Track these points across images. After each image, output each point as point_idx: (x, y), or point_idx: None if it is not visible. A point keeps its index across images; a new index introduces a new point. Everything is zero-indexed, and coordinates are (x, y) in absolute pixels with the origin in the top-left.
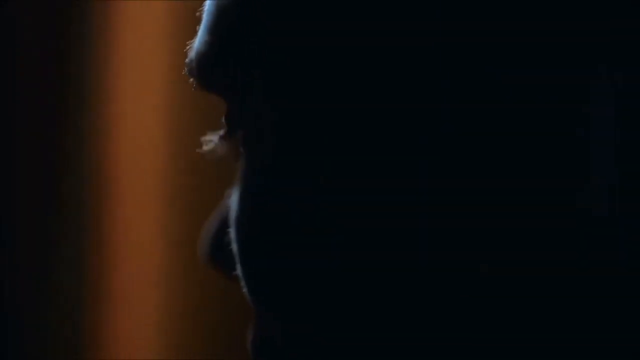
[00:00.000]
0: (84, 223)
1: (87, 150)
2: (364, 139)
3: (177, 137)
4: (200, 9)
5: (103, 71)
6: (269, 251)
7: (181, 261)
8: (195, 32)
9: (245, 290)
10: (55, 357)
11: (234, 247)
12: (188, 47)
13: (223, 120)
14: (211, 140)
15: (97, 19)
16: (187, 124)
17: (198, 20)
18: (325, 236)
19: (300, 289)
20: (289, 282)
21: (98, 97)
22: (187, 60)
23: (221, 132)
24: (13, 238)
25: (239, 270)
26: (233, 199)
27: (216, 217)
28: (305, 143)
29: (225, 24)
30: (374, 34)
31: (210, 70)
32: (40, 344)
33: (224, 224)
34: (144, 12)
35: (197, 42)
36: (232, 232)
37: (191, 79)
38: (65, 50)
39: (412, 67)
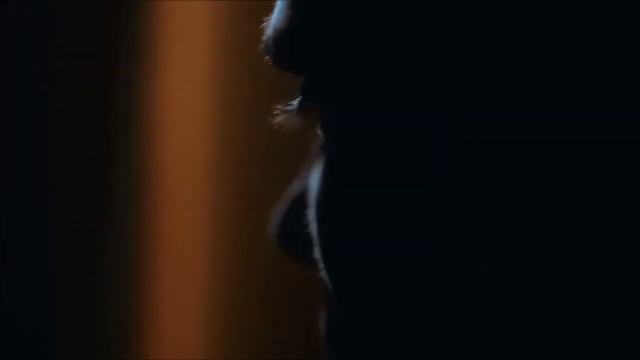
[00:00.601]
0: (130, 225)
1: (134, 154)
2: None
3: (223, 137)
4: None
5: (151, 72)
6: (353, 233)
7: (226, 263)
8: (239, 31)
9: (323, 273)
10: (100, 358)
11: (314, 228)
12: (264, 25)
13: (299, 90)
14: (285, 110)
15: (145, 19)
16: (233, 125)
17: (242, 19)
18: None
19: (376, 276)
20: (368, 268)
21: (145, 100)
22: (263, 37)
23: (296, 102)
24: (60, 240)
25: (316, 253)
26: (313, 179)
27: (287, 199)
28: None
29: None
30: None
31: (289, 47)
32: (87, 344)
33: (297, 206)
34: (190, 12)
35: (275, 19)
36: (311, 213)
37: (267, 57)
38: (113, 51)
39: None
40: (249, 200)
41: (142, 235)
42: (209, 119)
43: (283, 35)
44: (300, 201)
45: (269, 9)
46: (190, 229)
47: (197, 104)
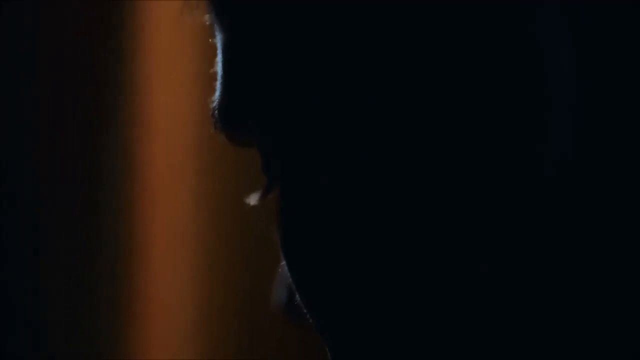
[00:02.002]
0: (118, 225)
1: (121, 153)
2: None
3: (210, 135)
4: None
5: (137, 70)
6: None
7: (212, 263)
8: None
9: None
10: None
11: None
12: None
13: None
14: (254, 199)
15: (130, 17)
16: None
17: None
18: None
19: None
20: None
21: (131, 99)
22: (210, 114)
23: (261, 189)
24: (46, 241)
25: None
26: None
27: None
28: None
29: (235, 79)
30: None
31: (232, 126)
32: (75, 344)
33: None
34: (176, 11)
35: (216, 97)
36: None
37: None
38: (98, 49)
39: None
40: (237, 199)
41: (129, 235)
42: (195, 118)
43: (224, 115)
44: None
45: None
46: (178, 227)
47: (183, 103)
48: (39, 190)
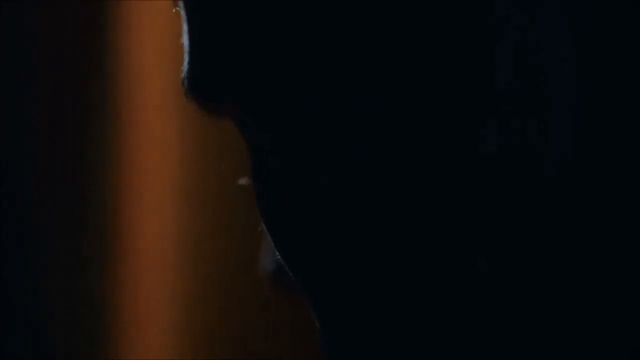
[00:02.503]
0: (103, 223)
1: (106, 151)
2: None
3: (194, 131)
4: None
5: (121, 67)
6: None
7: (196, 260)
8: None
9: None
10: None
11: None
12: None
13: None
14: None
15: (115, 15)
16: (204, 119)
17: None
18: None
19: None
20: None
21: (116, 95)
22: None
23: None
24: (32, 240)
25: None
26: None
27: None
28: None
29: (211, 53)
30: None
31: (205, 99)
32: (61, 344)
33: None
34: (160, 9)
35: (185, 66)
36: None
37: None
38: (84, 47)
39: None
40: (224, 196)
41: (113, 234)
42: (180, 114)
43: (192, 83)
44: None
45: None
46: (162, 225)
47: (167, 100)
48: (31, 189)
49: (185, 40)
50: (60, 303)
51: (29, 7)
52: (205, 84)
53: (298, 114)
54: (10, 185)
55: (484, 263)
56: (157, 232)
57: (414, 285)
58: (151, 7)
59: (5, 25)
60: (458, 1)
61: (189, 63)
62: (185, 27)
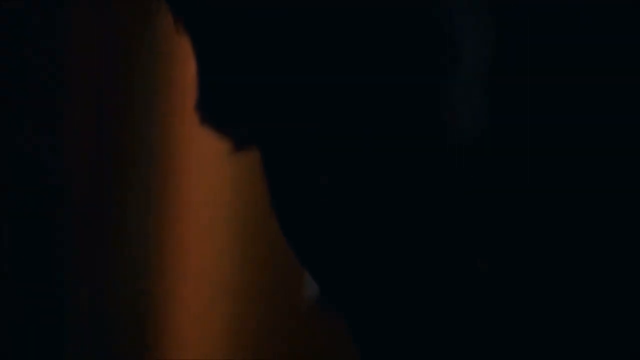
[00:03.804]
0: (148, 226)
1: (153, 152)
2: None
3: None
4: None
5: (170, 69)
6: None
7: (246, 265)
8: None
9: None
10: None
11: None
12: None
13: None
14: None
15: (163, 16)
16: None
17: None
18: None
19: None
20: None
21: (164, 98)
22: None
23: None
24: (79, 238)
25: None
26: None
27: None
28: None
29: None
30: None
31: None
32: (105, 343)
33: None
34: None
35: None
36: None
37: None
38: (131, 48)
39: None
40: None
41: (159, 237)
42: None
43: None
44: None
45: None
46: (209, 228)
47: None
48: (67, 192)
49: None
50: (88, 304)
51: (82, 12)
52: (215, 110)
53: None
54: (59, 187)
55: (485, 263)
56: (204, 235)
57: (422, 286)
58: None
59: (56, 28)
60: None
61: (197, 88)
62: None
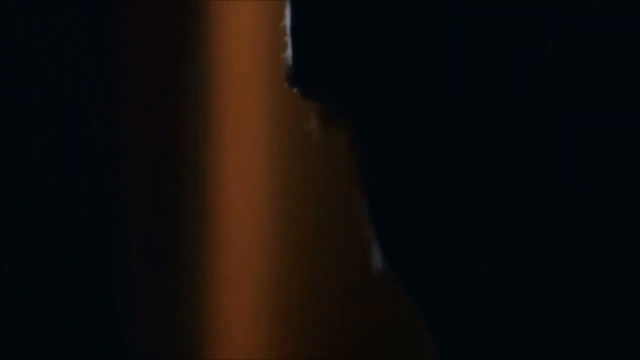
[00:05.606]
0: (198, 226)
1: (200, 156)
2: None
3: (285, 135)
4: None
5: (215, 72)
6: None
7: (292, 264)
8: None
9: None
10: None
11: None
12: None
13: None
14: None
15: (208, 18)
16: (295, 123)
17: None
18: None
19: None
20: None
21: (209, 101)
22: (285, 72)
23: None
24: (129, 238)
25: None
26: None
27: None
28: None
29: (311, 32)
30: None
31: (304, 86)
32: (156, 340)
33: None
34: (252, 12)
35: (289, 53)
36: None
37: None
38: (178, 51)
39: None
40: (313, 200)
41: (208, 239)
42: (272, 118)
43: (299, 70)
44: None
45: None
46: (255, 229)
47: (259, 103)
48: (117, 194)
49: (287, 25)
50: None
51: (124, 8)
52: (307, 71)
53: (391, 106)
54: (105, 186)
55: (485, 264)
56: (252, 226)
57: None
58: (245, 6)
59: (102, 25)
60: None
61: (292, 48)
62: (287, 12)
